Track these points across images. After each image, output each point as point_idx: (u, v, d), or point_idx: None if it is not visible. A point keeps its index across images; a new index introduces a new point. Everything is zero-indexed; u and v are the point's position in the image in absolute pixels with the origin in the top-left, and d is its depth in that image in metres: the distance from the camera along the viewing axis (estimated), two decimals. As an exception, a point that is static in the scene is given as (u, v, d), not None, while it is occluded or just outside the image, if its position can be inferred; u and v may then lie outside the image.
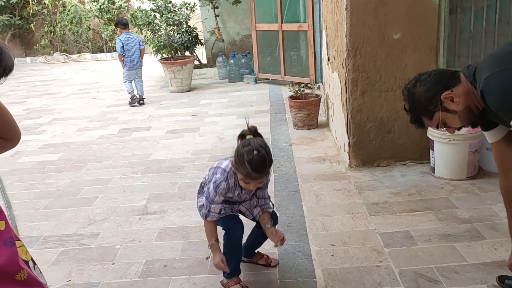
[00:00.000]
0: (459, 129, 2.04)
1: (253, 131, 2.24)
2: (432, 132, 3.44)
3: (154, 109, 6.64)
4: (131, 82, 6.92)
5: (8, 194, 3.92)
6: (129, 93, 6.89)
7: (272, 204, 2.47)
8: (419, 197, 3.26)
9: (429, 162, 3.64)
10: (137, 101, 6.90)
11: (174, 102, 6.96)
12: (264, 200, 2.44)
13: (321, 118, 5.28)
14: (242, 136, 2.24)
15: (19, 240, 0.89)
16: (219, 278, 2.53)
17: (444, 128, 2.02)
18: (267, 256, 2.63)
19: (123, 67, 6.87)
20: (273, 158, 2.19)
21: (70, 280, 2.63)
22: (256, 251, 2.65)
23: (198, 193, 2.56)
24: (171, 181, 3.95)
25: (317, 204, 3.31)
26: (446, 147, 3.37)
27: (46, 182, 4.13)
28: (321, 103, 5.24)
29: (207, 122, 5.74)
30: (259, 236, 2.55)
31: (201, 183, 2.53)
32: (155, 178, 4.06)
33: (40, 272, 0.95)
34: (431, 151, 3.53)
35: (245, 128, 2.25)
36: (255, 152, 2.09)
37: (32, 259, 0.93)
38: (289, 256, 2.69)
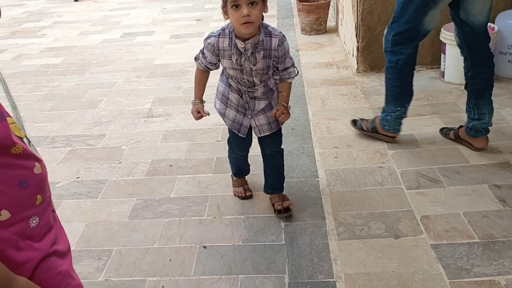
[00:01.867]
0: None
1: None
2: (445, 35, 3.30)
3: (157, 13, 6.41)
4: None
5: (13, 96, 3.95)
6: None
7: (296, 70, 2.01)
8: (426, 102, 3.22)
9: (439, 67, 3.54)
10: None
11: (178, 6, 6.70)
12: (285, 70, 1.99)
13: (330, 23, 5.08)
14: None
15: (10, 117, 0.86)
16: (224, 177, 2.59)
17: None
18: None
19: None
20: None
21: (78, 177, 2.70)
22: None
23: None
24: (175, 85, 3.91)
25: (323, 109, 3.28)
26: (458, 50, 3.24)
27: (50, 85, 4.10)
28: (330, 7, 5.01)
29: (212, 27, 5.55)
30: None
31: None
32: (159, 82, 4.01)
33: (36, 150, 0.94)
34: (442, 55, 3.42)
35: None
36: None
37: (26, 137, 0.92)
38: (293, 158, 2.72)
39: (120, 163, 2.83)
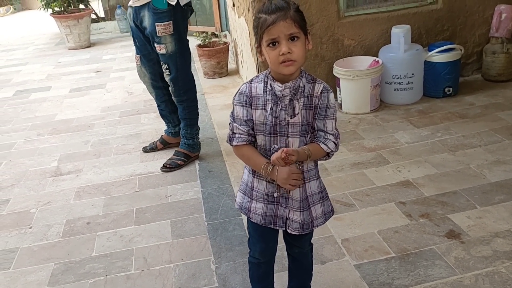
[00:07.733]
0: None
1: None
2: (337, 70, 3.61)
3: (52, 67, 6.18)
4: None
5: None
6: None
7: (335, 143, 1.58)
8: (330, 133, 3.46)
9: (337, 100, 3.84)
10: None
11: (74, 59, 6.53)
12: (324, 133, 1.58)
13: (231, 66, 5.28)
14: None
15: None
16: (146, 227, 2.54)
17: None
18: None
19: None
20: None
21: (-16, 250, 2.48)
22: None
23: None
24: (82, 140, 3.78)
25: (236, 148, 3.37)
26: (351, 83, 3.58)
27: None
28: (229, 51, 5.23)
29: (113, 77, 5.49)
30: None
31: None
32: (64, 138, 3.85)
33: None
34: (337, 88, 3.73)
35: None
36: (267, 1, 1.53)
37: None
38: (214, 200, 2.76)
39: (30, 227, 2.65)
